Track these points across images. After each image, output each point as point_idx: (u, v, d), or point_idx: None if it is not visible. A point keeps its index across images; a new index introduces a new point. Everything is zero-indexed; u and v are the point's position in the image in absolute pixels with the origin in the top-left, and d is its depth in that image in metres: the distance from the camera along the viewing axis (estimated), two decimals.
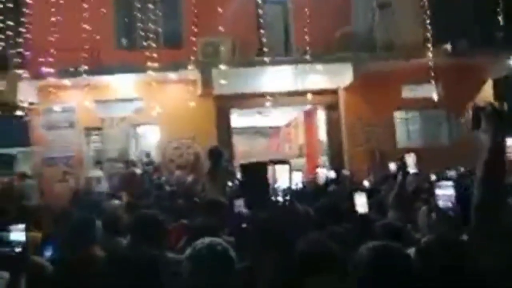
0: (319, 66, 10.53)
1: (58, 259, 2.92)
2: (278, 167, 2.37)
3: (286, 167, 2.39)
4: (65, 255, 2.99)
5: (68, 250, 3.05)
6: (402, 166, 3.48)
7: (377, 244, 1.69)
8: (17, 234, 2.29)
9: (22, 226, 2.29)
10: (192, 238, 2.97)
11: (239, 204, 2.80)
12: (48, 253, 3.20)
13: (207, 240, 1.95)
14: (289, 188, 2.36)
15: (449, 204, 2.35)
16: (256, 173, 2.51)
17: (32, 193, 8.38)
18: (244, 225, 2.57)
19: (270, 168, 2.36)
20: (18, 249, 2.23)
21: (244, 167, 3.02)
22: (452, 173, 6.82)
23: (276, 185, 2.35)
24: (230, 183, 5.40)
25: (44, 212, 5.45)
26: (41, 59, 9.23)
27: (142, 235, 2.82)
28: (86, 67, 9.44)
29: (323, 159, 12.23)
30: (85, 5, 9.49)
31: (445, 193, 2.39)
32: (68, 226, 3.42)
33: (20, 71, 9.36)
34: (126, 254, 2.67)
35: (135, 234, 2.90)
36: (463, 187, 2.67)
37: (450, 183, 2.46)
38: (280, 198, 2.29)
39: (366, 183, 7.39)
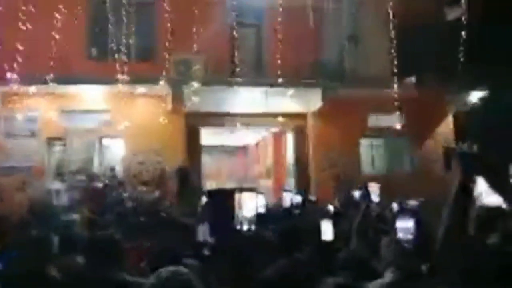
0: (289, 90, 10.71)
1: (7, 275, 2.76)
2: (244, 194, 2.37)
3: (253, 194, 2.40)
4: (16, 271, 2.83)
5: (19, 265, 2.90)
6: (366, 195, 3.55)
7: (339, 282, 1.71)
8: None
9: None
10: (154, 259, 2.90)
11: (204, 230, 2.77)
12: None
13: (172, 268, 1.90)
14: (255, 215, 2.36)
15: (409, 237, 2.41)
16: (223, 200, 2.50)
17: None
18: (207, 253, 2.53)
19: (236, 195, 2.35)
20: None
21: (211, 194, 3.00)
22: (413, 202, 7.01)
23: (242, 213, 2.34)
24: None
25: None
26: (5, 65, 8.92)
27: (97, 256, 2.72)
28: (53, 76, 9.18)
29: (290, 181, 12.32)
30: (56, 13, 9.29)
31: (405, 225, 2.46)
32: (22, 240, 3.27)
33: None
34: (80, 276, 2.57)
35: (90, 255, 2.79)
36: (421, 221, 2.76)
37: (410, 215, 2.53)
38: (245, 226, 2.28)
39: (330, 208, 7.48)
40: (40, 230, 4.22)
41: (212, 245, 2.66)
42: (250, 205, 2.35)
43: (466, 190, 1.72)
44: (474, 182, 1.82)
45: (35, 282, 2.59)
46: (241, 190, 2.44)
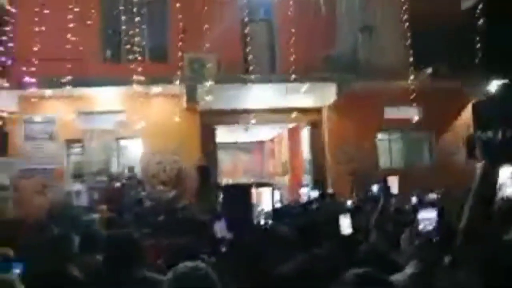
0: (303, 85, 10.64)
1: (29, 277, 2.80)
2: (261, 189, 2.35)
3: (269, 189, 2.37)
4: (37, 272, 2.86)
5: (41, 267, 2.94)
6: (385, 188, 3.49)
7: (362, 272, 1.68)
8: None
9: None
10: (171, 256, 2.91)
11: (221, 226, 2.76)
12: (18, 270, 3.06)
13: (189, 263, 1.90)
14: (272, 210, 2.33)
15: (430, 228, 2.36)
16: (239, 195, 2.48)
17: (7, 205, 8.14)
18: (224, 249, 2.52)
19: (253, 191, 2.33)
20: None
21: (227, 189, 2.99)
22: (433, 195, 6.90)
23: (259, 208, 2.32)
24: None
25: (18, 226, 5.29)
26: (23, 68, 9.08)
27: (115, 255, 2.74)
28: (69, 78, 9.31)
29: (307, 177, 12.26)
30: (71, 16, 9.41)
31: (427, 217, 2.41)
32: (42, 241, 3.31)
33: (0, 80, 9.17)
34: (101, 275, 2.59)
35: (109, 253, 2.81)
36: (444, 212, 2.69)
37: (432, 207, 2.48)
38: (262, 221, 2.26)
39: (349, 203, 7.42)
40: (61, 230, 4.29)
41: (230, 240, 2.66)
42: (267, 200, 2.33)
43: (490, 179, 1.66)
44: (497, 171, 1.76)
45: (56, 281, 2.62)
46: (258, 185, 2.42)
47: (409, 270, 2.30)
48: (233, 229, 2.57)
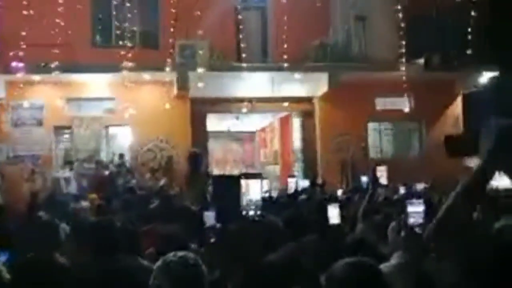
0: (295, 74, 10.60)
1: (15, 265, 2.78)
2: (250, 180, 2.35)
3: (258, 180, 2.38)
4: (24, 260, 2.84)
5: (28, 255, 2.91)
6: (373, 179, 3.51)
7: (351, 260, 1.69)
8: None
9: None
10: (162, 245, 2.91)
11: (210, 216, 2.76)
12: (4, 257, 3.04)
13: (179, 253, 1.90)
14: (260, 201, 2.34)
15: (419, 221, 2.38)
16: (228, 186, 2.49)
17: None
18: (213, 240, 2.53)
19: (242, 182, 2.34)
20: None
21: (216, 180, 2.99)
22: (420, 186, 6.97)
23: (247, 198, 2.32)
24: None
25: (4, 213, 5.24)
26: (11, 53, 8.92)
27: (106, 242, 2.73)
28: (58, 63, 9.16)
29: (298, 166, 12.29)
30: (60, 0, 9.23)
31: (415, 210, 2.42)
32: (29, 229, 3.28)
33: None
34: (90, 263, 2.58)
35: (99, 241, 2.79)
36: (432, 204, 2.71)
37: (420, 200, 2.50)
38: (251, 212, 2.27)
39: (339, 193, 7.46)
40: (47, 217, 4.26)
41: (218, 230, 2.66)
42: (255, 191, 2.34)
43: (483, 176, 1.64)
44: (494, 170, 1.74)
45: (43, 269, 2.61)
46: (247, 176, 2.42)
47: (394, 260, 2.32)
48: (222, 219, 2.58)
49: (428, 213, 2.41)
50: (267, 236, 2.40)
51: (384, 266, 2.25)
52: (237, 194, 2.29)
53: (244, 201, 2.29)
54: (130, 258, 2.73)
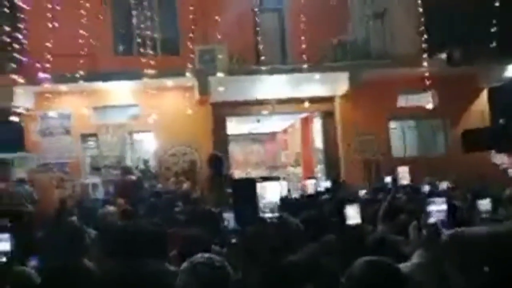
0: (315, 74, 10.58)
1: (45, 270, 2.88)
2: (269, 183, 2.40)
3: (277, 183, 2.42)
4: (53, 265, 2.95)
5: (57, 260, 3.02)
6: (395, 180, 3.49)
7: (370, 259, 1.71)
8: (2, 243, 2.27)
9: (6, 235, 2.26)
10: (185, 248, 2.97)
11: (230, 218, 2.81)
12: (34, 262, 3.16)
13: (205, 255, 1.95)
14: (277, 203, 2.38)
15: (442, 220, 2.36)
16: (246, 189, 2.53)
17: (30, 199, 8.35)
18: (234, 240, 2.57)
19: (260, 185, 2.38)
20: (2, 259, 2.20)
21: (235, 183, 3.04)
22: (444, 184, 6.85)
23: (265, 201, 2.37)
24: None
25: (35, 219, 5.43)
26: (37, 65, 9.24)
27: (133, 247, 2.80)
28: (82, 73, 9.44)
29: (320, 167, 12.24)
30: (83, 11, 9.50)
31: (437, 208, 2.41)
32: (58, 235, 3.39)
33: (16, 77, 9.35)
34: (118, 268, 2.65)
35: (126, 245, 2.87)
36: (454, 203, 2.69)
37: (442, 198, 2.48)
38: (268, 214, 2.31)
39: (363, 193, 7.41)
40: (76, 223, 4.40)
41: (240, 231, 2.70)
42: (273, 194, 2.38)
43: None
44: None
45: (71, 275, 2.69)
46: (265, 179, 2.46)
47: (414, 259, 2.31)
48: (240, 221, 2.62)
49: (450, 212, 2.39)
50: (286, 237, 2.44)
51: (404, 266, 2.24)
52: (254, 197, 2.33)
53: (261, 203, 2.33)
54: (156, 262, 2.79)
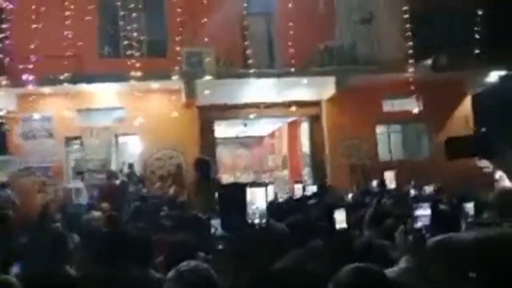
0: (302, 79, 10.62)
1: (27, 277, 2.80)
2: (256, 189, 2.38)
3: (263, 189, 2.40)
4: (35, 272, 2.87)
5: (39, 266, 2.94)
6: (381, 184, 3.50)
7: (357, 266, 1.70)
8: None
9: None
10: (171, 254, 2.93)
11: (217, 224, 2.78)
12: (16, 269, 3.08)
13: (192, 262, 1.93)
14: (267, 209, 2.36)
15: (427, 225, 2.37)
16: (234, 195, 2.51)
17: (10, 203, 8.17)
18: (220, 247, 2.54)
19: (248, 190, 2.36)
20: None
21: (222, 189, 3.00)
22: (430, 188, 6.92)
23: (253, 207, 2.34)
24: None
25: (17, 224, 5.30)
26: (21, 66, 9.08)
27: (117, 253, 2.75)
28: (67, 75, 9.30)
29: (307, 171, 12.27)
30: (68, 13, 9.38)
31: (423, 213, 2.42)
32: (40, 241, 3.31)
33: None
34: (100, 274, 2.60)
35: (110, 251, 2.82)
36: (440, 207, 2.70)
37: (428, 203, 2.49)
38: (256, 220, 2.29)
39: (349, 196, 7.44)
40: (58, 229, 4.31)
41: (226, 237, 2.68)
42: (261, 200, 2.36)
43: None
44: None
45: (53, 281, 2.63)
46: (253, 185, 2.44)
47: (401, 264, 2.31)
48: (227, 228, 2.60)
49: (434, 217, 2.40)
50: (273, 243, 2.41)
51: (391, 271, 2.24)
52: (243, 203, 2.31)
53: (249, 210, 2.31)
54: (141, 269, 2.75)
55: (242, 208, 2.34)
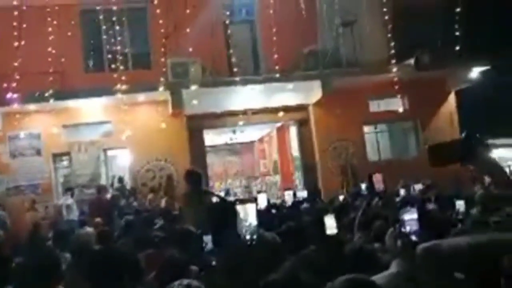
0: (288, 84, 10.69)
1: None
2: (246, 205, 2.39)
3: (253, 205, 2.41)
4: None
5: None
6: (370, 188, 3.54)
7: (350, 277, 1.72)
8: None
9: None
10: (163, 269, 2.93)
11: (209, 240, 2.79)
12: None
13: (184, 281, 1.94)
14: (256, 226, 2.38)
15: (414, 228, 2.40)
16: (224, 213, 2.52)
17: (1, 223, 8.07)
18: (213, 263, 2.55)
19: (239, 207, 2.37)
20: None
21: (212, 207, 3.01)
22: (418, 186, 7.01)
23: (244, 223, 2.36)
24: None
25: (8, 244, 5.25)
26: (4, 85, 8.99)
27: (107, 272, 2.74)
28: (52, 91, 9.23)
29: (298, 175, 12.32)
30: (50, 28, 9.32)
31: (411, 217, 2.45)
32: (32, 260, 3.29)
33: None
34: None
35: (100, 270, 2.81)
36: (428, 209, 2.74)
37: (415, 206, 2.53)
38: (248, 236, 2.31)
39: (340, 198, 7.50)
40: (49, 249, 4.27)
41: (218, 253, 2.69)
42: (251, 216, 2.38)
43: None
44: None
45: None
46: (242, 202, 2.45)
47: (392, 269, 2.34)
48: (219, 244, 2.61)
49: (422, 220, 2.44)
50: (265, 255, 2.43)
51: (382, 276, 2.27)
52: (233, 220, 2.32)
53: (240, 226, 2.33)
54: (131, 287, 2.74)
55: (232, 226, 2.36)
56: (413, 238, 2.35)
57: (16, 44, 9.00)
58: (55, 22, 9.44)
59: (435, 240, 2.04)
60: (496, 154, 9.04)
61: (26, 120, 10.11)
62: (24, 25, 9.19)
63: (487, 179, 5.10)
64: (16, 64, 8.88)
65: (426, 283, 1.88)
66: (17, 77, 8.84)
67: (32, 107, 9.95)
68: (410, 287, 2.11)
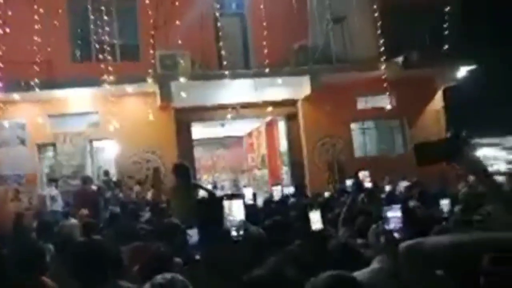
0: (278, 78, 10.68)
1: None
2: (233, 201, 2.39)
3: (241, 201, 2.42)
4: (10, 285, 2.82)
5: (15, 279, 2.89)
6: (356, 184, 3.57)
7: (333, 274, 1.73)
8: None
9: None
10: (146, 264, 2.92)
11: (193, 234, 2.79)
12: None
13: (167, 275, 1.93)
14: (243, 222, 2.39)
15: (398, 226, 2.44)
16: (211, 208, 2.52)
17: None
18: (197, 257, 2.55)
19: (225, 203, 2.37)
20: None
21: (199, 202, 3.01)
22: (404, 183, 7.08)
23: (231, 218, 2.36)
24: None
25: None
26: None
27: (89, 264, 2.72)
28: (38, 81, 9.08)
29: (285, 170, 12.36)
30: (36, 17, 9.15)
31: (394, 215, 2.48)
32: (15, 252, 3.25)
33: None
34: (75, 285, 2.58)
35: (83, 262, 2.78)
36: (411, 207, 2.78)
37: (399, 204, 2.56)
38: (234, 233, 2.31)
39: (326, 194, 7.55)
40: (34, 240, 4.22)
41: (202, 247, 2.69)
42: (238, 211, 2.38)
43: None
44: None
45: None
46: (229, 197, 2.45)
47: (375, 265, 2.37)
48: (204, 239, 2.61)
49: (405, 218, 2.47)
50: (251, 250, 2.44)
51: (364, 272, 2.30)
52: (220, 216, 2.32)
53: (227, 222, 2.33)
54: (113, 281, 2.72)
55: (219, 221, 2.36)
56: (396, 235, 2.39)
57: (1, 32, 8.83)
58: (41, 10, 9.27)
59: (418, 237, 2.07)
60: (481, 153, 9.18)
61: (11, 110, 9.94)
62: (10, 13, 9.01)
63: (471, 178, 5.19)
64: (0, 52, 8.72)
65: (409, 280, 1.91)
66: (2, 65, 8.68)
67: (17, 96, 9.78)
68: (393, 284, 2.15)
